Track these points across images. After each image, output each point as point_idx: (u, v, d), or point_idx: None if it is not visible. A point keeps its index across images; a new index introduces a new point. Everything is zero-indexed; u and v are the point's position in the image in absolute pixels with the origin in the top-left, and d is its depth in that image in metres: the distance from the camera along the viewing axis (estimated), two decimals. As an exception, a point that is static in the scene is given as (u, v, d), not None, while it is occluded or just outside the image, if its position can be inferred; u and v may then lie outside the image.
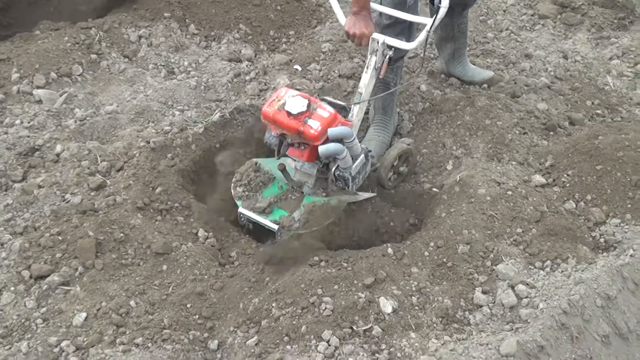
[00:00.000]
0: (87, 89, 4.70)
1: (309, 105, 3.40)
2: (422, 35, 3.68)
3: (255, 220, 3.59)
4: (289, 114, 3.38)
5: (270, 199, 3.64)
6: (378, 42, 3.70)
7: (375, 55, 3.72)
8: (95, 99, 4.65)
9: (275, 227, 3.50)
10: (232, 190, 3.71)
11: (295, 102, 3.40)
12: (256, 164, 3.77)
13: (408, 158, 4.09)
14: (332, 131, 3.38)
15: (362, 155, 3.61)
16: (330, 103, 3.60)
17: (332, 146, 3.38)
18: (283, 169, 3.62)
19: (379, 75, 3.77)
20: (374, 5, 3.85)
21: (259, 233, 3.72)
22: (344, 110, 3.69)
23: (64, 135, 4.20)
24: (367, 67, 3.75)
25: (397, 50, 3.88)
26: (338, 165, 3.52)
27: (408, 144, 4.09)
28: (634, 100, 4.69)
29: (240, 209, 3.62)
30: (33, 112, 4.42)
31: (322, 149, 3.37)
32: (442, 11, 3.56)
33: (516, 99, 4.55)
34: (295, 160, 3.66)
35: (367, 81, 3.75)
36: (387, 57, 3.72)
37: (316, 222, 3.52)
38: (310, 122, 3.36)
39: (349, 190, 3.63)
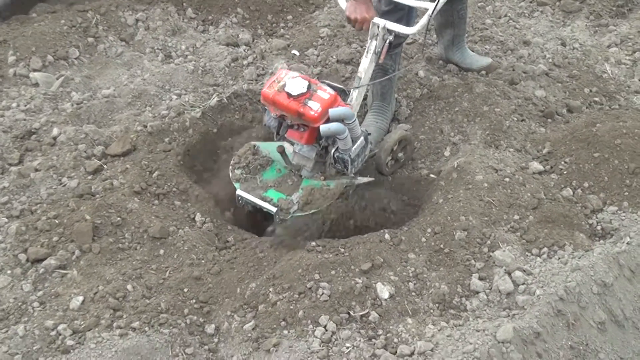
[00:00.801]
0: (84, 73, 4.69)
1: (309, 87, 3.40)
2: (423, 20, 3.67)
3: (254, 202, 3.57)
4: (289, 95, 3.38)
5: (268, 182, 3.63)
6: (379, 27, 3.69)
7: (376, 40, 3.72)
8: (92, 82, 4.63)
9: (274, 209, 3.49)
10: (230, 173, 3.70)
11: (296, 84, 3.39)
12: (255, 146, 3.77)
13: (406, 146, 4.08)
14: (333, 111, 3.38)
15: (362, 138, 3.61)
16: (330, 86, 3.59)
17: (333, 125, 3.38)
18: (282, 152, 3.62)
19: (379, 60, 3.76)
20: None
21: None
22: (343, 94, 3.68)
23: (61, 119, 4.19)
24: (367, 52, 3.75)
25: (396, 36, 3.88)
26: (338, 147, 3.52)
27: (406, 130, 4.09)
28: (631, 88, 4.69)
29: (239, 192, 3.61)
30: (29, 95, 4.40)
31: (323, 127, 3.36)
32: None
33: (514, 86, 4.54)
34: (294, 144, 3.65)
35: (366, 65, 3.74)
36: (387, 41, 3.71)
37: (314, 205, 3.51)
38: (311, 103, 3.36)
39: (348, 173, 3.62)
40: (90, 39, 4.92)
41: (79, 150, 3.93)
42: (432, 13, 3.61)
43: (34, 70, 4.60)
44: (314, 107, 3.35)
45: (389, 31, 3.70)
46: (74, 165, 3.85)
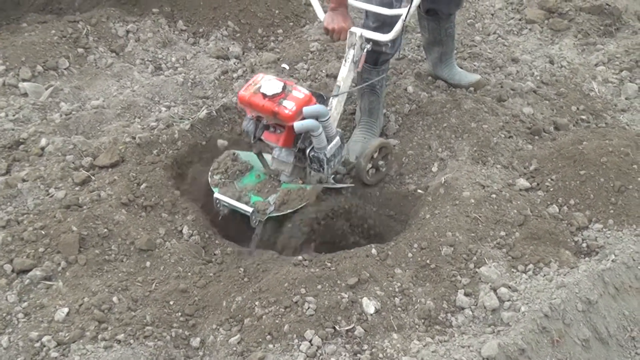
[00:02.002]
0: (74, 83, 4.69)
1: (284, 88, 3.43)
2: (398, 25, 3.73)
3: (231, 204, 3.58)
4: (264, 95, 3.41)
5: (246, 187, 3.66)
6: (356, 36, 3.75)
7: (354, 49, 3.77)
8: (82, 93, 4.64)
9: (250, 210, 3.50)
10: (209, 179, 3.72)
11: (271, 84, 3.43)
12: (234, 154, 3.79)
13: (387, 154, 4.10)
14: (307, 109, 3.40)
15: (338, 138, 3.62)
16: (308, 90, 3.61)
17: (307, 122, 3.39)
18: (259, 153, 3.65)
19: (357, 69, 3.83)
20: (351, 1, 3.93)
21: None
22: (321, 99, 3.70)
23: (49, 129, 4.18)
24: (346, 60, 3.80)
25: (382, 53, 3.92)
26: (313, 147, 3.53)
27: (394, 145, 4.13)
28: (618, 106, 4.73)
29: (216, 195, 3.62)
30: (18, 105, 4.40)
31: (297, 124, 3.38)
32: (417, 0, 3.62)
33: (502, 103, 4.57)
34: (271, 150, 3.68)
35: (345, 74, 3.79)
36: (365, 50, 3.78)
37: (291, 205, 3.52)
38: (285, 102, 3.39)
39: (324, 173, 3.64)
40: (80, 50, 4.93)
41: (66, 161, 3.92)
42: (406, 18, 3.68)
43: (23, 80, 4.60)
44: (289, 105, 3.38)
45: (367, 40, 3.76)
46: (61, 176, 3.84)
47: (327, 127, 3.50)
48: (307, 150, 3.56)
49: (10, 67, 4.66)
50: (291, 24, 5.57)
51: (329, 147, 3.55)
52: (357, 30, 3.76)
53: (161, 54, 5.09)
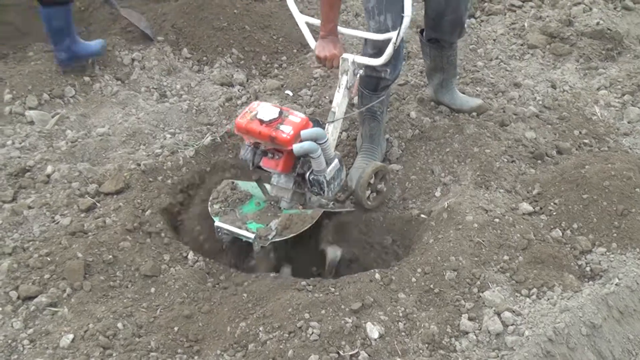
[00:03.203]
0: (79, 111, 4.73)
1: (280, 113, 3.45)
2: (389, 49, 3.74)
3: (232, 232, 3.57)
4: (261, 121, 3.42)
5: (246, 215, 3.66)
6: (348, 62, 3.78)
7: (347, 75, 3.80)
8: (87, 120, 4.67)
9: (252, 236, 3.49)
10: (209, 208, 3.72)
11: (267, 110, 3.45)
12: (233, 183, 3.80)
13: (384, 175, 4.11)
14: (305, 132, 3.42)
15: (337, 160, 3.64)
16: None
17: (306, 144, 3.40)
18: (258, 179, 3.67)
19: (351, 95, 3.85)
20: (341, 29, 3.99)
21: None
22: (317, 125, 3.71)
23: (55, 157, 4.22)
24: (339, 87, 3.82)
25: (382, 79, 3.95)
26: (312, 170, 3.54)
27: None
28: (620, 130, 4.74)
29: (217, 223, 3.61)
30: (25, 133, 4.44)
31: (296, 146, 3.39)
32: (406, 20, 3.63)
33: (504, 127, 4.59)
34: (270, 177, 3.70)
35: (339, 100, 3.81)
36: (358, 75, 3.82)
37: (293, 229, 3.51)
38: (283, 127, 3.40)
39: (324, 196, 3.64)
40: (86, 78, 4.98)
41: (72, 188, 3.95)
42: (396, 42, 3.69)
43: (30, 109, 4.65)
44: (286, 130, 3.40)
45: (359, 65, 3.80)
46: (67, 202, 3.87)
47: (326, 150, 3.52)
48: (307, 174, 3.57)
49: (17, 95, 4.70)
50: (294, 51, 5.62)
51: (328, 170, 3.56)
52: (349, 57, 3.79)
53: (166, 82, 5.13)
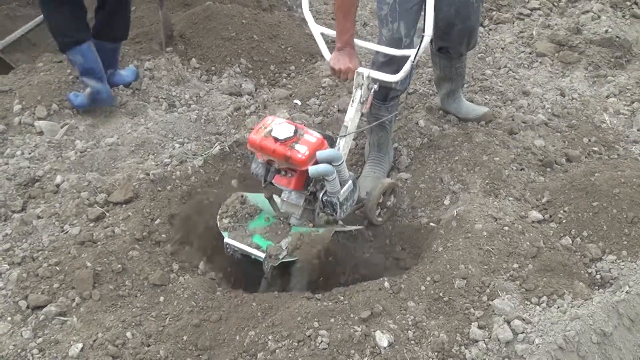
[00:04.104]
0: (88, 121, 4.74)
1: (295, 131, 3.40)
2: (406, 66, 3.71)
3: (242, 250, 3.55)
4: (275, 139, 3.37)
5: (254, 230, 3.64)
6: (363, 76, 3.75)
7: (361, 89, 3.76)
8: (96, 131, 4.68)
9: (262, 255, 3.48)
10: (218, 222, 3.69)
11: (282, 128, 3.39)
12: (242, 196, 3.77)
13: (394, 190, 4.10)
14: (320, 153, 3.39)
15: (350, 182, 3.61)
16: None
17: (322, 166, 3.37)
18: (270, 197, 3.62)
19: (364, 109, 3.82)
20: (357, 42, 3.93)
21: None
22: (330, 141, 3.70)
23: (64, 167, 4.23)
24: (353, 101, 3.79)
25: (391, 89, 3.93)
26: (326, 191, 3.52)
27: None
28: (630, 138, 4.73)
29: (227, 240, 3.59)
30: (34, 144, 4.45)
31: (312, 169, 3.36)
32: (426, 39, 3.59)
33: (513, 136, 4.58)
34: (282, 192, 3.66)
35: (352, 115, 3.78)
36: (372, 90, 3.77)
37: (304, 251, 3.50)
38: (298, 146, 3.36)
39: (337, 217, 3.62)
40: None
41: (81, 197, 3.96)
42: (414, 59, 3.66)
43: (39, 119, 4.66)
44: (302, 150, 3.36)
45: (374, 80, 3.76)
46: (76, 212, 3.88)
47: (341, 172, 3.50)
48: (320, 195, 3.55)
49: (27, 105, 4.72)
50: (303, 60, 5.63)
51: (342, 191, 3.55)
52: (365, 71, 3.76)
53: (175, 92, 5.14)
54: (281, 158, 3.39)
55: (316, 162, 3.41)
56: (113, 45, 4.97)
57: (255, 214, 3.72)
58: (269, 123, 3.47)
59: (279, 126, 3.42)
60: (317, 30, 4.00)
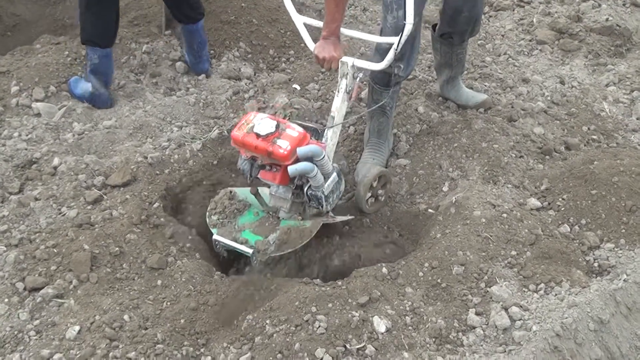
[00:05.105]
0: (86, 104, 4.71)
1: (277, 126, 3.39)
2: (389, 55, 3.69)
3: (230, 246, 3.55)
4: (257, 135, 3.37)
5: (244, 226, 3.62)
6: (348, 65, 3.73)
7: (346, 79, 3.75)
8: (94, 113, 4.67)
9: (250, 251, 3.47)
10: (207, 219, 3.69)
11: (264, 124, 3.39)
12: (231, 192, 3.76)
13: (386, 183, 4.10)
14: (300, 150, 3.37)
15: (335, 174, 3.60)
16: (303, 126, 3.58)
17: (301, 165, 3.36)
18: (256, 193, 3.61)
19: (351, 99, 3.80)
20: (343, 30, 3.92)
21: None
22: (316, 133, 3.69)
23: (62, 149, 4.22)
24: (338, 91, 3.77)
25: (394, 75, 3.91)
26: (310, 185, 3.50)
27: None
28: (629, 126, 4.72)
29: (215, 236, 3.59)
30: (31, 125, 4.43)
31: (291, 168, 3.36)
32: (408, 27, 3.57)
33: (513, 123, 4.57)
34: (269, 187, 3.65)
35: (339, 105, 3.76)
36: (358, 79, 3.76)
37: (292, 244, 3.49)
38: (280, 142, 3.35)
39: (324, 210, 3.61)
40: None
41: (79, 180, 3.95)
42: (397, 47, 3.63)
43: (37, 101, 4.64)
44: (283, 145, 3.35)
45: (359, 69, 3.75)
46: (73, 195, 3.87)
47: (323, 166, 3.47)
48: (305, 189, 3.53)
49: (24, 87, 4.70)
50: (302, 45, 5.58)
51: (326, 185, 3.53)
52: (349, 60, 3.74)
53: (173, 75, 5.12)
54: (264, 154, 3.39)
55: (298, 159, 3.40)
56: (192, 26, 5.02)
57: (244, 210, 3.72)
58: (251, 119, 3.47)
59: (261, 122, 3.41)
60: (299, 20, 4.00)
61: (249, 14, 5.60)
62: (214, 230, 3.62)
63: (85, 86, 4.75)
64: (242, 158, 3.59)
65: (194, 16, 5.00)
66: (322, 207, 3.56)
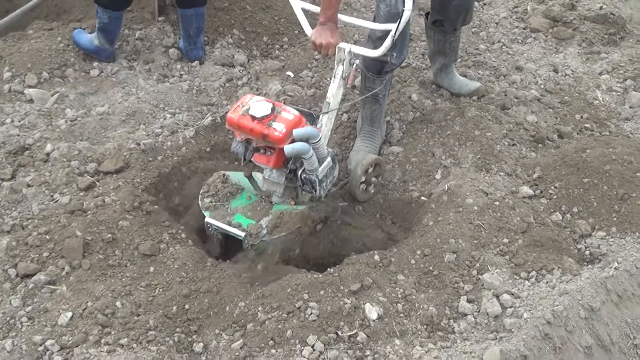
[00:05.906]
0: (79, 90, 4.71)
1: (273, 109, 3.39)
2: (387, 42, 3.69)
3: (222, 229, 3.55)
4: (253, 117, 3.36)
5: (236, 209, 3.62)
6: (344, 52, 3.73)
7: (342, 65, 3.74)
8: (87, 99, 4.66)
9: (242, 234, 3.47)
10: (200, 202, 3.69)
11: (259, 106, 3.38)
12: (224, 175, 3.76)
13: (380, 175, 4.10)
14: (297, 131, 3.36)
15: (329, 159, 3.58)
16: (298, 110, 3.56)
17: (297, 145, 3.34)
18: (249, 176, 3.60)
19: (347, 85, 3.80)
20: (341, 17, 3.92)
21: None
22: (311, 118, 3.68)
23: (55, 135, 4.20)
24: (335, 77, 3.77)
25: (387, 63, 3.91)
26: (304, 168, 3.49)
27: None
28: (622, 115, 4.74)
29: (207, 219, 3.59)
30: (24, 112, 4.42)
31: (287, 147, 3.34)
32: (406, 14, 3.58)
33: (506, 111, 4.58)
34: (263, 171, 3.65)
35: (334, 90, 3.76)
36: (354, 65, 3.75)
37: (284, 228, 3.50)
38: (275, 124, 3.34)
39: (317, 195, 3.59)
40: (86, 57, 4.95)
41: (71, 166, 3.94)
42: (395, 34, 3.63)
43: (29, 87, 4.63)
44: (279, 127, 3.34)
45: (356, 55, 3.74)
46: (66, 181, 3.86)
47: (318, 149, 3.46)
48: (299, 172, 3.52)
49: (16, 73, 4.68)
50: (296, 32, 5.59)
51: (320, 169, 3.51)
52: (346, 46, 3.73)
53: (166, 61, 5.11)
54: (258, 136, 3.38)
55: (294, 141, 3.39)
56: (197, 10, 5.02)
57: (237, 193, 3.72)
58: (247, 101, 3.46)
59: (257, 104, 3.40)
60: (297, 5, 4.00)
61: (242, 1, 5.59)
62: (206, 213, 3.63)
63: (90, 37, 4.90)
64: (236, 140, 3.58)
65: (200, 2, 4.99)
66: (315, 191, 3.55)
